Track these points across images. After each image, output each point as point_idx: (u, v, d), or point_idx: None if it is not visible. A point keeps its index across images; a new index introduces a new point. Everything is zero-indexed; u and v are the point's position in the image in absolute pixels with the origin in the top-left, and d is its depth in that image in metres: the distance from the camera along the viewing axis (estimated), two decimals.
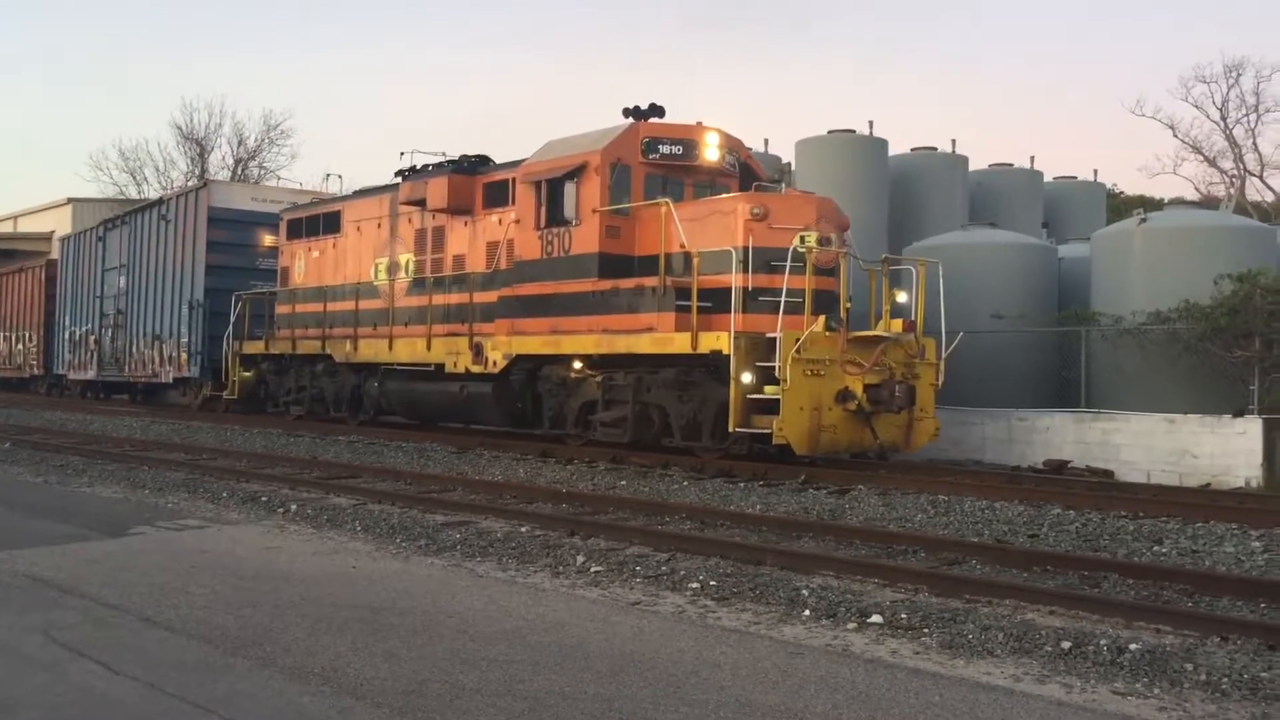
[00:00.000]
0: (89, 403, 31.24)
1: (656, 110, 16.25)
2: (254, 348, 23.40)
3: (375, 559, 9.16)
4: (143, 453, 17.08)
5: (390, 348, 19.53)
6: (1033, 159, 25.78)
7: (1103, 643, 6.37)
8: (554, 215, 16.24)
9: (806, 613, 7.32)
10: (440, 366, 18.34)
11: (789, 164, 16.52)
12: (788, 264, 13.64)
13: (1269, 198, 41.81)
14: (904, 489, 12.63)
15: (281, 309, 23.10)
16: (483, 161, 18.69)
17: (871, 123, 22.49)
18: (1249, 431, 14.86)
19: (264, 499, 12.35)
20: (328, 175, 27.66)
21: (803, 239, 13.99)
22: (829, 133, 22.26)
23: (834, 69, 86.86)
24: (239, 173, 52.50)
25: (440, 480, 13.75)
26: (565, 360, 16.32)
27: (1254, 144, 43.10)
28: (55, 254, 37.17)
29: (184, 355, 26.01)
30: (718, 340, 13.90)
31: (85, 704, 5.31)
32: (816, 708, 5.35)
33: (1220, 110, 42.76)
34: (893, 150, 23.14)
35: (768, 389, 13.60)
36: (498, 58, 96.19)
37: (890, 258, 15.42)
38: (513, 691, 5.51)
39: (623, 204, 15.68)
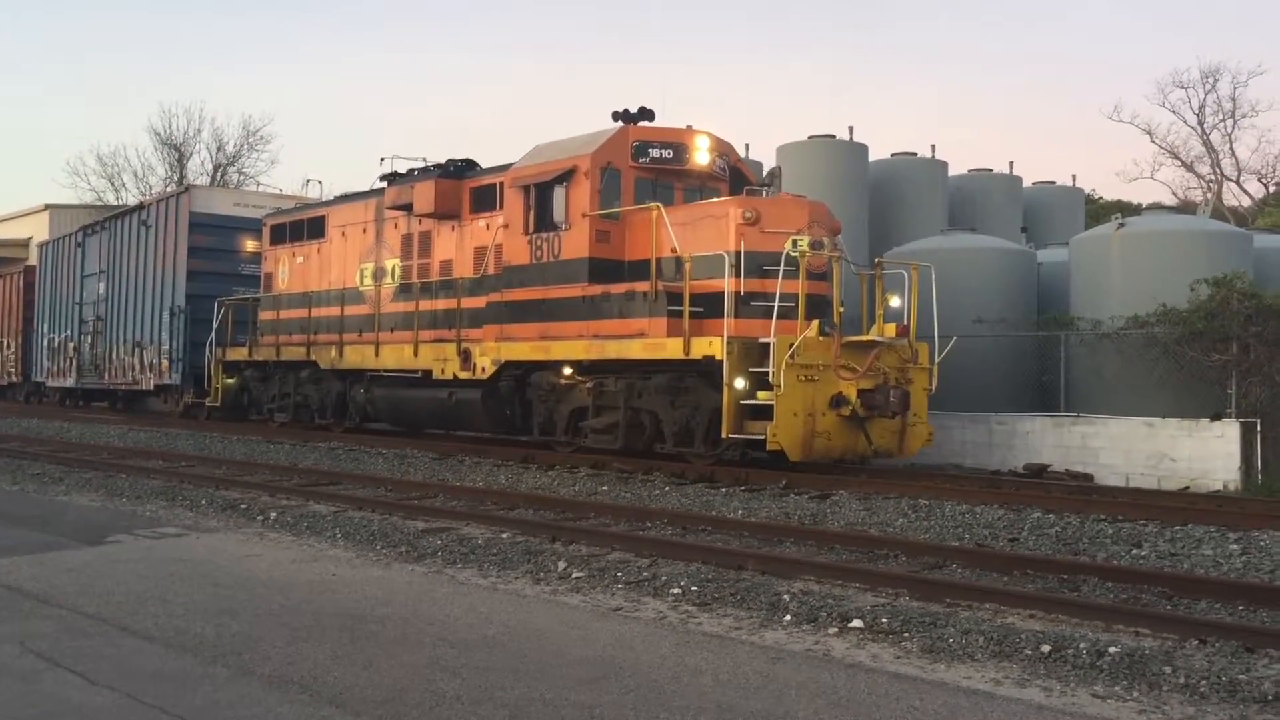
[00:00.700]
0: (67, 410, 30.99)
1: (646, 114, 16.11)
2: (237, 354, 23.20)
3: (355, 566, 9.11)
4: (121, 460, 16.95)
5: (376, 354, 19.35)
6: (1012, 164, 25.95)
7: (1082, 646, 6.39)
8: (543, 220, 16.11)
9: (788, 618, 7.32)
10: (428, 373, 18.17)
11: (779, 167, 16.39)
12: (781, 268, 13.49)
13: (1245, 202, 42.17)
14: (885, 493, 12.66)
15: (265, 315, 22.88)
16: (469, 166, 18.55)
17: (852, 128, 22.60)
18: (1227, 435, 14.97)
19: (243, 506, 12.28)
20: (307, 181, 27.62)
21: (795, 243, 13.90)
22: (809, 138, 22.34)
23: (815, 75, 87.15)
24: (218, 178, 52.25)
25: (421, 487, 13.69)
26: (555, 366, 16.16)
27: (1230, 149, 43.50)
28: (33, 260, 36.91)
29: (165, 362, 25.78)
30: (710, 345, 13.78)
31: (61, 715, 5.26)
32: (798, 713, 5.35)
33: (1197, 115, 43.14)
34: (873, 155, 23.23)
35: (761, 394, 13.48)
36: (478, 63, 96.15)
37: (883, 261, 15.31)
38: (493, 699, 5.49)
39: (613, 208, 15.57)
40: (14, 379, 35.27)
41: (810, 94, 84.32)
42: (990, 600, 7.56)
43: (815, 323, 13.79)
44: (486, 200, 17.61)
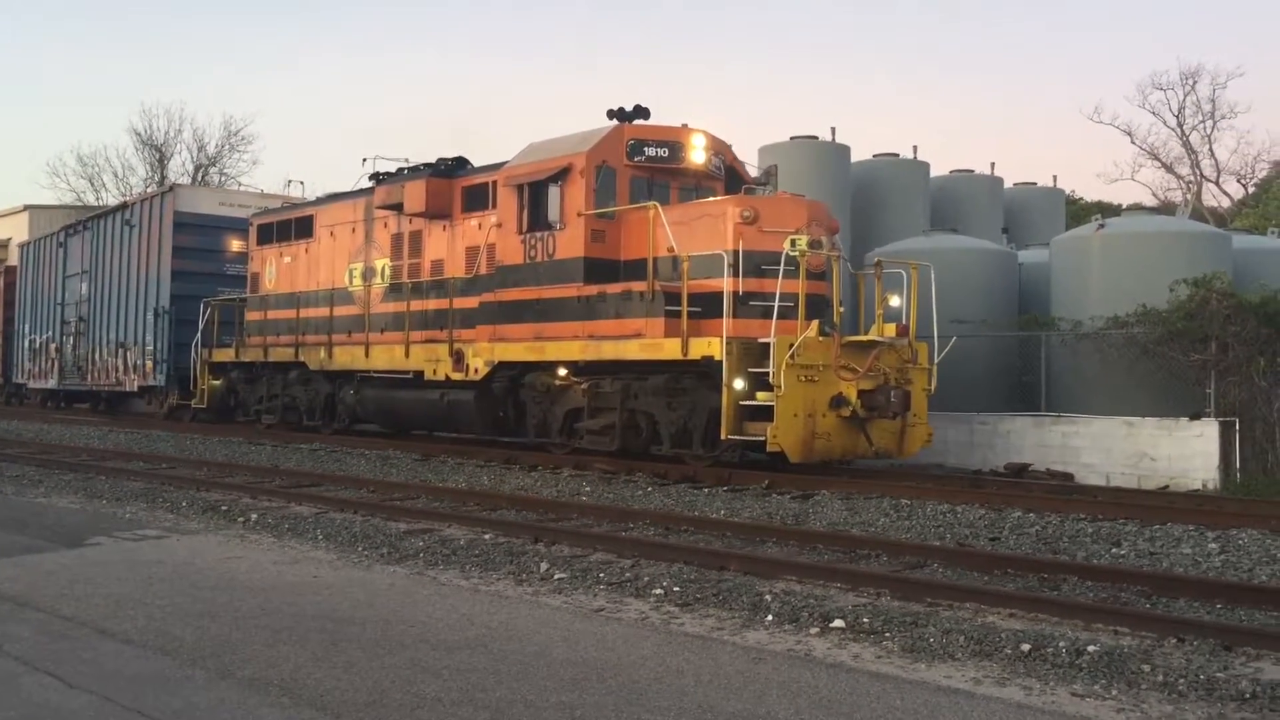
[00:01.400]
0: (46, 412, 30.76)
1: (641, 112, 15.94)
2: (224, 355, 22.97)
3: (337, 568, 9.08)
4: (100, 462, 16.85)
5: (367, 355, 19.16)
6: (993, 165, 26.06)
7: (1062, 645, 6.42)
8: (537, 219, 15.96)
9: (769, 618, 7.33)
10: (419, 374, 17.98)
11: (775, 166, 16.29)
12: (781, 268, 13.34)
13: (1225, 203, 42.45)
14: (867, 493, 12.68)
15: (252, 316, 22.66)
16: (460, 164, 18.34)
17: (834, 129, 22.66)
18: (1206, 434, 15.06)
19: (224, 508, 12.22)
20: (289, 181, 27.46)
21: (794, 242, 13.69)
22: (791, 139, 22.38)
23: (796, 76, 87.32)
24: (199, 179, 52.00)
25: (403, 488, 13.66)
26: (550, 367, 15.97)
27: (1210, 150, 43.81)
28: (13, 261, 36.61)
29: (149, 363, 25.57)
30: (709, 346, 13.63)
31: (39, 718, 5.23)
32: (779, 713, 5.36)
33: (1177, 117, 43.44)
34: (855, 156, 23.29)
35: (760, 395, 13.34)
36: (459, 63, 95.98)
37: (883, 260, 15.13)
38: (474, 700, 5.48)
39: (608, 207, 15.41)
40: None
41: (792, 95, 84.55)
42: (971, 599, 7.59)
43: (815, 323, 13.67)
44: (479, 199, 17.45)
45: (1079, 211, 34.88)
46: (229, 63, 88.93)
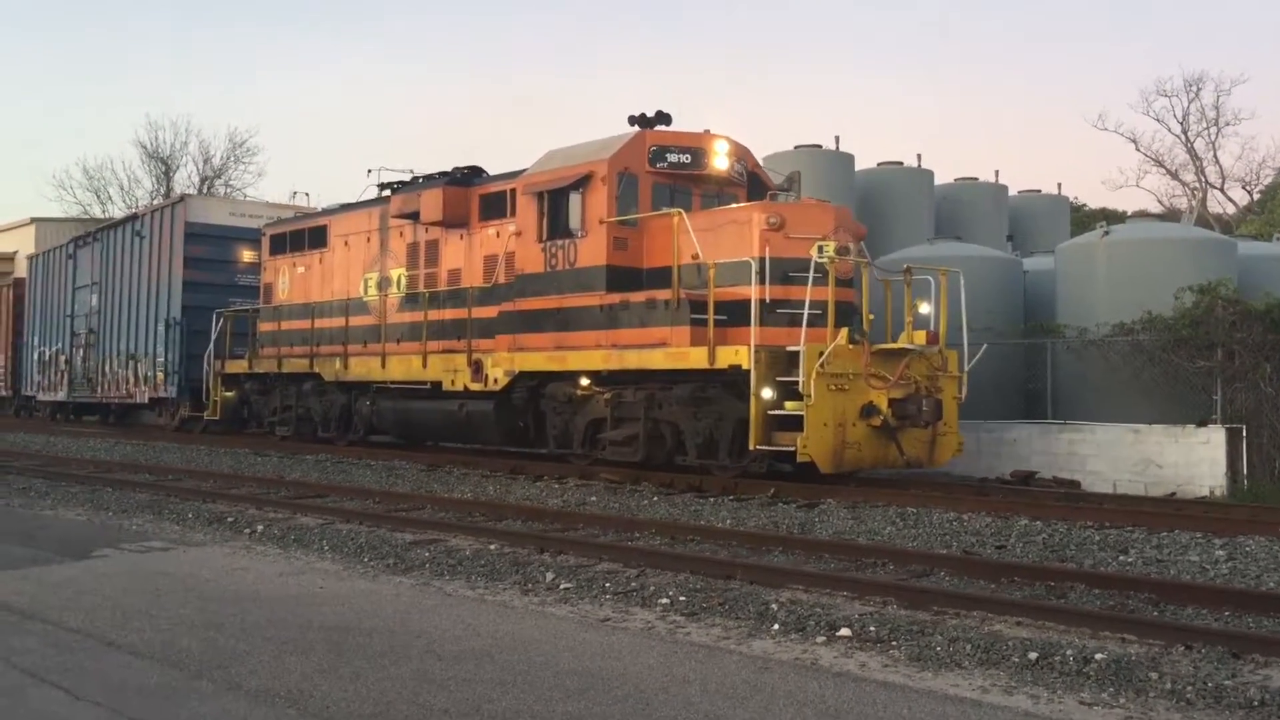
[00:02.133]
0: (54, 424, 30.78)
1: (663, 117, 15.76)
2: (237, 367, 22.79)
3: (343, 579, 9.09)
4: (107, 474, 16.89)
5: (383, 365, 18.95)
6: (997, 173, 26.08)
7: (1069, 653, 6.40)
8: (558, 227, 15.77)
9: (776, 627, 7.32)
10: (437, 384, 17.76)
11: (798, 172, 16.13)
12: (810, 274, 13.15)
13: (1230, 210, 42.40)
14: (872, 502, 12.66)
15: (265, 326, 22.51)
16: (475, 173, 18.22)
17: (838, 137, 22.72)
18: (1212, 441, 15.02)
19: (230, 520, 12.23)
20: (294, 193, 27.47)
21: (821, 249, 13.47)
22: (796, 147, 22.41)
23: (800, 84, 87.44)
24: (205, 191, 52.10)
25: (409, 498, 13.66)
26: (571, 377, 15.74)
27: (1214, 157, 43.72)
28: (19, 274, 36.64)
29: (160, 374, 25.45)
30: (736, 354, 13.43)
31: None
32: None
33: (1181, 124, 43.37)
34: (859, 165, 23.32)
35: (789, 404, 13.14)
36: (464, 75, 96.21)
37: (913, 266, 14.83)
38: (480, 711, 5.47)
39: (630, 214, 15.22)
40: (4, 393, 34.96)
41: (796, 103, 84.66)
42: (978, 608, 7.58)
43: (844, 331, 13.46)
44: (496, 207, 17.30)
45: (1084, 219, 34.87)
46: (235, 75, 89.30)
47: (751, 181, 16.31)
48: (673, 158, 15.55)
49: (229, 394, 23.15)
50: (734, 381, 13.72)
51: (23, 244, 45.26)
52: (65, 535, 11.43)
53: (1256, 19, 67.22)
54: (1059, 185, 30.90)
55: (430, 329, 18.02)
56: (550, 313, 15.79)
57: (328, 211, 21.94)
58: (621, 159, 15.27)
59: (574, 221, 15.52)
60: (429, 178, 18.68)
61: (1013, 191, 26.58)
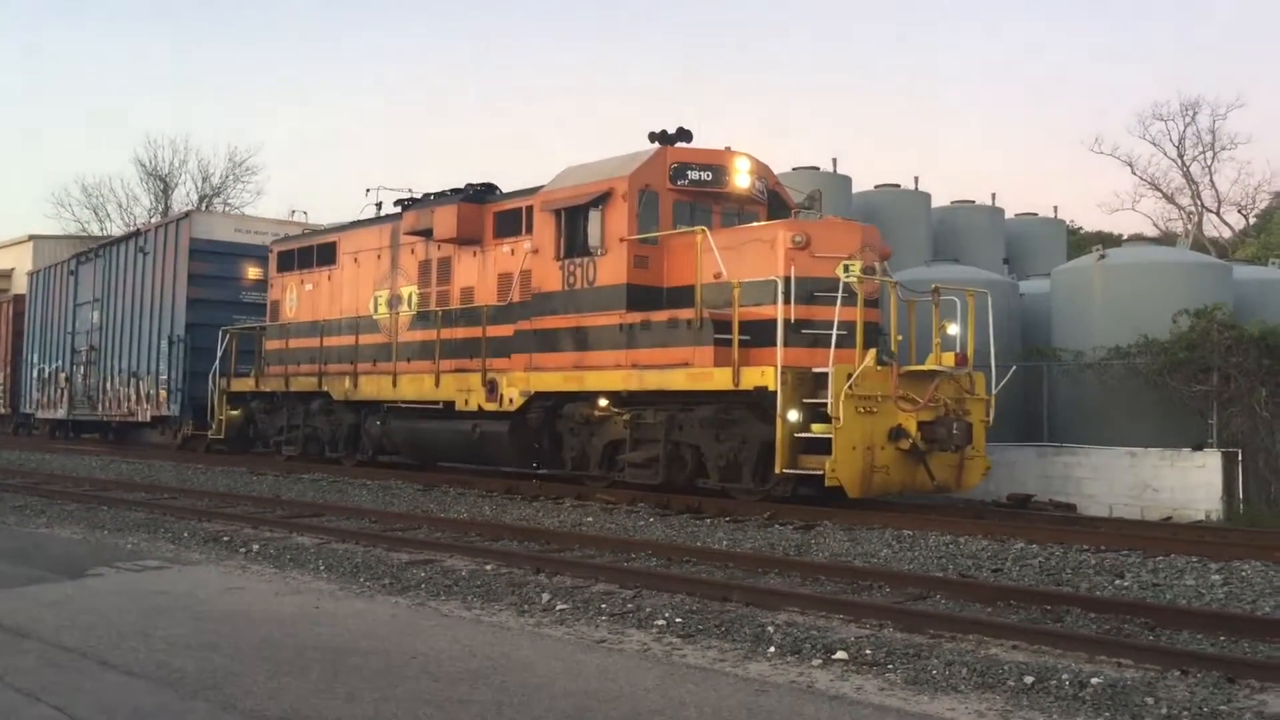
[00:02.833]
0: (50, 442, 30.65)
1: (684, 134, 15.55)
2: (243, 385, 22.41)
3: (339, 599, 9.07)
4: (103, 492, 16.86)
5: (394, 385, 18.60)
6: (994, 196, 26.26)
7: (1065, 677, 6.40)
8: (576, 245, 15.52)
9: (772, 649, 7.32)
10: (449, 404, 17.45)
11: (818, 190, 15.89)
12: (839, 294, 13.02)
13: (1226, 234, 42.53)
14: (869, 524, 12.64)
15: (271, 344, 22.18)
16: (489, 190, 17.99)
17: (835, 160, 22.81)
18: (1208, 465, 15.05)
19: (226, 539, 12.22)
20: (293, 212, 27.44)
21: (847, 268, 13.29)
22: (793, 170, 22.49)
23: (797, 106, 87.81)
24: (203, 209, 52.17)
25: (405, 518, 13.65)
26: (589, 397, 15.45)
27: (1210, 180, 43.88)
28: (21, 289, 36.53)
29: (163, 393, 25.17)
30: (762, 376, 13.18)
31: None
32: None
33: (1177, 147, 43.53)
34: (856, 188, 23.42)
35: (816, 427, 12.91)
36: (462, 96, 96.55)
37: (940, 287, 14.39)
38: None
39: (650, 232, 14.98)
40: (3, 411, 34.81)
41: (793, 126, 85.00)
42: (974, 631, 7.57)
43: (872, 352, 13.21)
44: (511, 225, 17.08)
45: (1080, 242, 34.98)
46: (234, 94, 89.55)
47: (772, 199, 16.11)
48: (694, 175, 15.35)
49: (234, 412, 22.79)
50: (758, 403, 13.51)
51: (20, 261, 45.29)
52: (60, 553, 11.41)
53: (1253, 44, 67.64)
54: (1055, 208, 31.09)
55: (443, 348, 17.75)
56: (568, 332, 15.57)
57: (337, 228, 21.62)
58: (642, 176, 15.07)
59: (593, 239, 15.28)
60: (441, 194, 18.42)
61: (1009, 214, 26.69)
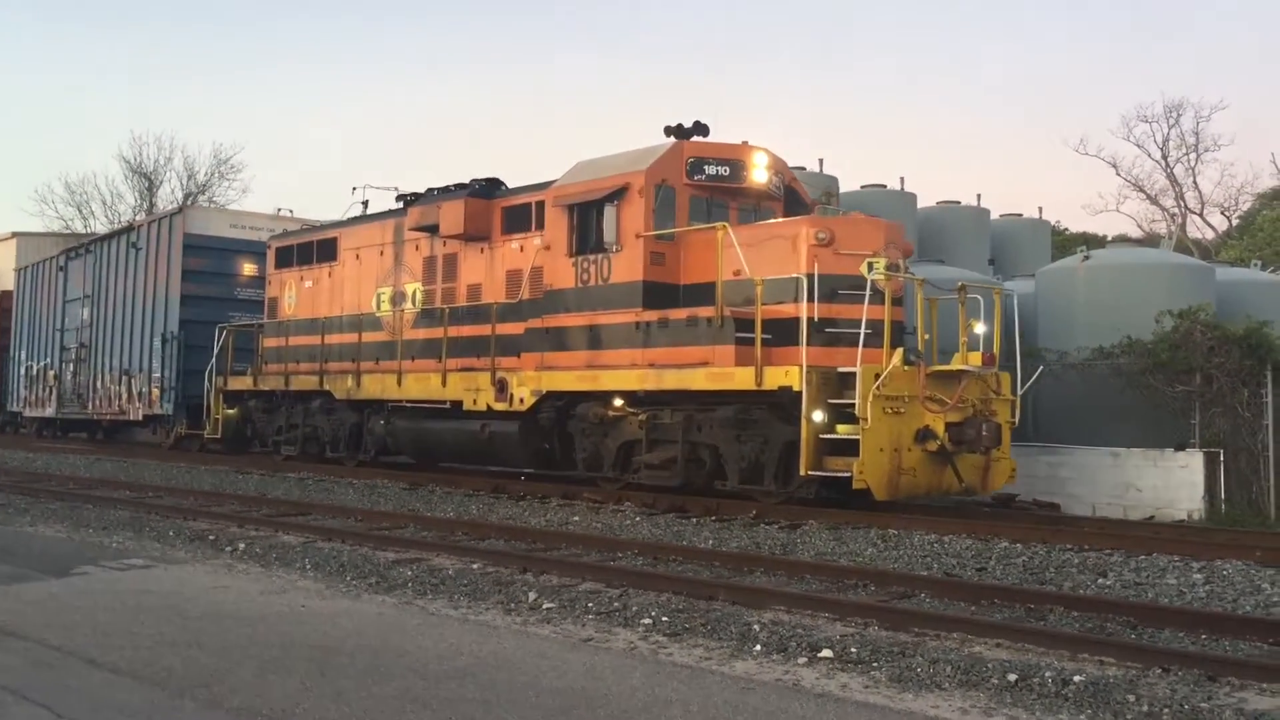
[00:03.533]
0: (35, 440, 30.43)
1: (700, 128, 15.27)
2: (241, 384, 22.08)
3: (325, 598, 9.08)
4: (87, 491, 16.82)
5: (399, 384, 18.27)
6: (979, 196, 26.28)
7: (1048, 675, 6.46)
8: (590, 241, 15.25)
9: (758, 648, 7.36)
10: (457, 404, 17.14)
11: (837, 184, 15.51)
12: (867, 292, 12.76)
13: (1209, 235, 42.80)
14: (854, 524, 12.69)
15: (269, 342, 21.82)
16: (495, 185, 17.67)
17: (821, 160, 22.82)
18: (1191, 465, 15.15)
19: (211, 537, 12.21)
20: (278, 209, 27.20)
21: (871, 265, 13.05)
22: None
23: (781, 106, 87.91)
24: (197, 205, 51.94)
25: (391, 517, 13.65)
26: (603, 397, 15.16)
27: (1194, 182, 44.20)
28: (7, 285, 36.23)
29: (156, 391, 24.78)
30: (786, 375, 12.87)
31: None
32: None
33: (1161, 149, 43.83)
34: (842, 188, 23.43)
35: (841, 428, 12.67)
36: (445, 93, 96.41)
37: (967, 285, 14.16)
38: None
39: (667, 228, 14.66)
40: None
41: (781, 126, 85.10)
42: (958, 629, 7.63)
43: (899, 351, 12.93)
44: (521, 220, 16.79)
45: (1065, 243, 35.11)
46: (219, 91, 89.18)
47: (788, 195, 15.83)
48: (711, 170, 15.01)
49: (230, 411, 22.42)
50: (780, 403, 13.22)
51: (4, 258, 44.99)
52: (45, 552, 11.38)
53: (1236, 46, 68.04)
54: (1040, 209, 31.15)
55: (450, 346, 17.44)
56: (582, 330, 15.28)
57: (337, 224, 21.28)
58: (659, 170, 14.78)
59: (609, 235, 14.97)
60: (444, 190, 18.12)
61: (994, 215, 26.75)
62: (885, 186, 24.37)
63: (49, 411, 30.44)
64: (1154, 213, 45.03)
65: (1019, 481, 16.31)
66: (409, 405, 18.27)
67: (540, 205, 16.29)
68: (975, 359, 13.43)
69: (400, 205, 19.28)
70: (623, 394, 14.95)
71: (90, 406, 28.11)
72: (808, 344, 12.91)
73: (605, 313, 15.01)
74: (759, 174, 15.32)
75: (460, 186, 17.89)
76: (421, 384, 17.95)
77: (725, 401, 13.88)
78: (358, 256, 20.08)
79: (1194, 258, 24.13)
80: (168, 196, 52.93)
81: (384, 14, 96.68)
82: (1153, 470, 15.38)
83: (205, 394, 22.50)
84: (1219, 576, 9.78)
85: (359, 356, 19.37)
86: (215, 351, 22.16)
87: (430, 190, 18.57)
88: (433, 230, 17.92)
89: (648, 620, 8.10)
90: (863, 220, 14.42)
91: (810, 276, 13.21)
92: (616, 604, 8.61)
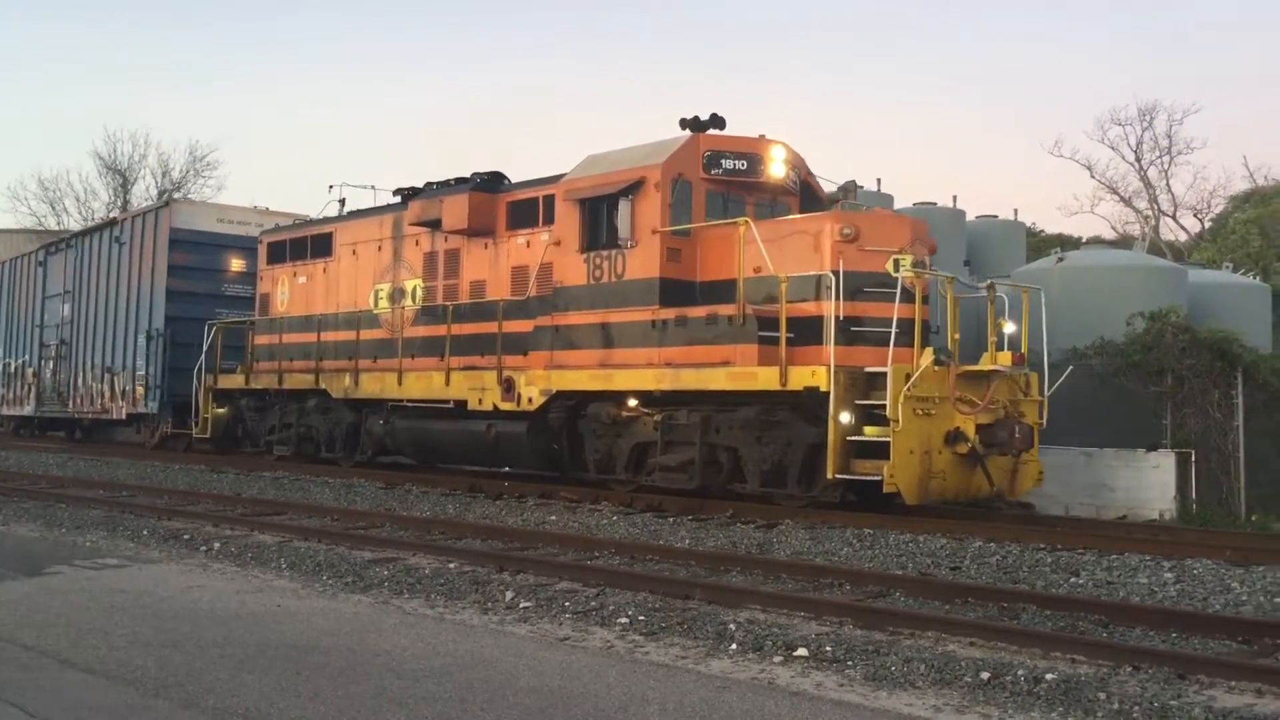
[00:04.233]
0: (10, 439, 30.06)
1: (717, 121, 14.87)
2: (232, 382, 21.49)
3: (301, 597, 9.06)
4: (60, 490, 16.70)
5: (400, 383, 17.75)
6: (955, 198, 26.37)
7: (1020, 673, 6.52)
8: (604, 237, 14.81)
9: (734, 646, 7.40)
10: (461, 404, 16.65)
11: (853, 181, 15.36)
12: (898, 290, 12.41)
13: (1182, 237, 43.16)
14: (830, 523, 12.72)
15: (262, 339, 21.27)
16: (497, 179, 17.23)
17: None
18: (1163, 465, 15.29)
19: (186, 537, 12.15)
20: (254, 206, 26.87)
21: (897, 263, 12.72)
22: None
23: (757, 106, 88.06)
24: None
25: (368, 516, 13.61)
26: (616, 397, 14.76)
27: (1167, 185, 44.51)
28: None
29: (140, 389, 24.24)
30: (813, 375, 12.47)
31: None
32: None
33: (1135, 152, 44.11)
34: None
35: (869, 430, 12.33)
36: (421, 88, 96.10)
37: (996, 282, 13.89)
38: None
39: (683, 223, 14.25)
40: None
41: (753, 126, 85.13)
42: (932, 628, 7.69)
43: (929, 351, 12.62)
44: (527, 215, 16.41)
45: (1039, 244, 35.30)
46: (194, 88, 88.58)
47: (804, 191, 15.46)
48: (728, 164, 14.60)
49: (220, 410, 21.89)
50: (804, 404, 12.87)
51: None
52: (17, 551, 11.32)
53: (1209, 50, 68.64)
54: (1015, 210, 31.30)
55: (453, 344, 16.96)
56: (594, 328, 14.86)
57: (332, 219, 20.76)
58: (675, 164, 14.38)
59: (623, 231, 14.55)
60: (445, 184, 17.66)
61: (970, 216, 26.89)
62: (862, 188, 24.43)
63: (27, 410, 29.95)
64: (1128, 215, 45.37)
65: None
66: (410, 404, 17.83)
67: (549, 200, 15.90)
68: (1005, 359, 13.11)
69: (399, 199, 18.86)
70: (638, 394, 14.59)
71: (71, 405, 27.60)
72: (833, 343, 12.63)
73: (619, 310, 14.59)
74: (776, 168, 14.96)
75: (461, 180, 17.42)
76: (423, 383, 17.51)
77: (745, 402, 13.52)
78: (354, 252, 19.66)
79: (1167, 260, 24.34)
80: (142, 193, 52.59)
81: (362, 10, 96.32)
82: (1125, 470, 15.51)
83: (194, 392, 21.94)
84: (1189, 575, 9.88)
85: (357, 354, 18.90)
86: (204, 349, 21.63)
87: (430, 184, 18.15)
88: (434, 225, 17.53)
89: (624, 619, 8.13)
90: (888, 216, 14.05)
91: (835, 273, 12.84)
92: (593, 603, 8.63)
